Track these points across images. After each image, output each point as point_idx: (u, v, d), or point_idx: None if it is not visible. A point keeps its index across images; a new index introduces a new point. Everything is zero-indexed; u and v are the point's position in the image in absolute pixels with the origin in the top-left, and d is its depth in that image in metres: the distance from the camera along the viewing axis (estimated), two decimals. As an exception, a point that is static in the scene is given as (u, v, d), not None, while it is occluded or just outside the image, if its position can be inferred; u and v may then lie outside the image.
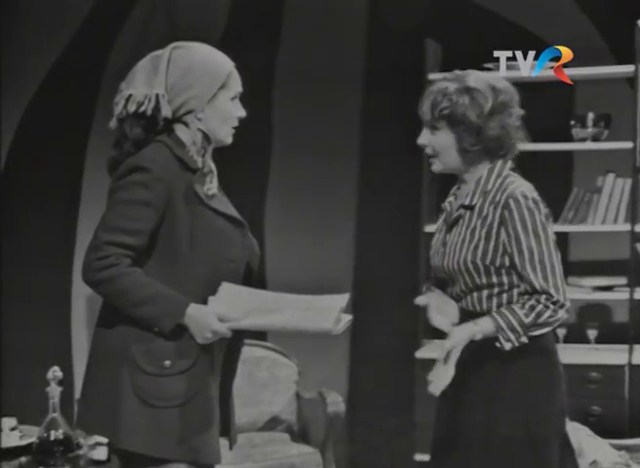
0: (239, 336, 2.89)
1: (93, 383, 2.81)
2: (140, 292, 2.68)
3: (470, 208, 3.04)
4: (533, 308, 2.94)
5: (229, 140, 2.93)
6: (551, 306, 2.94)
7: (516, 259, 2.96)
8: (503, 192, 3.00)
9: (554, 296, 2.94)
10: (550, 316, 2.95)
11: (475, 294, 3.04)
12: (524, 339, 2.95)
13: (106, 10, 5.88)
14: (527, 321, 2.93)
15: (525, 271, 2.96)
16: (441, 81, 3.07)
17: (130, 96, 2.78)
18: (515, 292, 3.01)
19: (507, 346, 2.95)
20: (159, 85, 2.76)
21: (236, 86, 2.89)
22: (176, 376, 2.74)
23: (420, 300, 3.13)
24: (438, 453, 3.18)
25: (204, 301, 2.76)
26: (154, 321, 2.69)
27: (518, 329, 2.93)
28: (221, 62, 2.86)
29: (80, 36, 5.87)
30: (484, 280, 3.01)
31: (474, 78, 3.03)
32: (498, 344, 2.94)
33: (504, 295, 3.02)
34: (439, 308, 3.09)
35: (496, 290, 3.02)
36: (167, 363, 2.73)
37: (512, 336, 2.94)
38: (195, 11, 6.13)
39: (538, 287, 2.95)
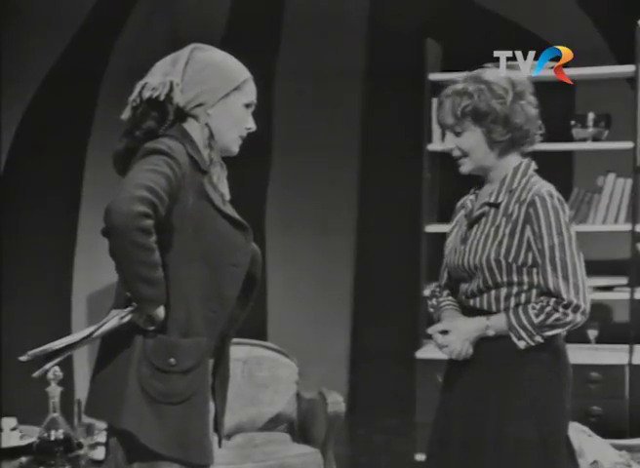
0: (226, 342, 2.90)
1: (102, 369, 2.80)
2: (152, 272, 2.64)
3: (495, 205, 3.05)
4: (543, 309, 2.95)
5: (235, 149, 2.91)
6: (561, 309, 2.94)
7: (538, 257, 2.97)
8: (529, 191, 3.01)
9: (565, 299, 2.94)
10: (558, 318, 2.94)
11: (493, 293, 3.03)
12: (539, 339, 2.95)
13: (106, 11, 5.88)
14: (536, 321, 2.94)
15: (544, 270, 2.96)
16: (453, 84, 3.08)
17: (145, 83, 2.81)
18: (534, 292, 3.00)
19: (521, 345, 2.95)
20: (175, 75, 2.80)
21: (251, 94, 2.89)
22: (179, 375, 2.75)
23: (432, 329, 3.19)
24: (439, 453, 3.16)
25: (200, 302, 2.76)
26: (144, 301, 2.68)
27: (529, 327, 2.94)
28: (240, 68, 2.89)
29: (80, 37, 5.87)
30: (504, 278, 3.00)
31: (489, 73, 3.07)
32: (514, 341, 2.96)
33: (523, 295, 3.01)
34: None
35: (515, 289, 3.01)
36: (172, 360, 2.74)
37: (524, 334, 2.95)
38: (195, 12, 6.14)
39: (551, 288, 2.95)
